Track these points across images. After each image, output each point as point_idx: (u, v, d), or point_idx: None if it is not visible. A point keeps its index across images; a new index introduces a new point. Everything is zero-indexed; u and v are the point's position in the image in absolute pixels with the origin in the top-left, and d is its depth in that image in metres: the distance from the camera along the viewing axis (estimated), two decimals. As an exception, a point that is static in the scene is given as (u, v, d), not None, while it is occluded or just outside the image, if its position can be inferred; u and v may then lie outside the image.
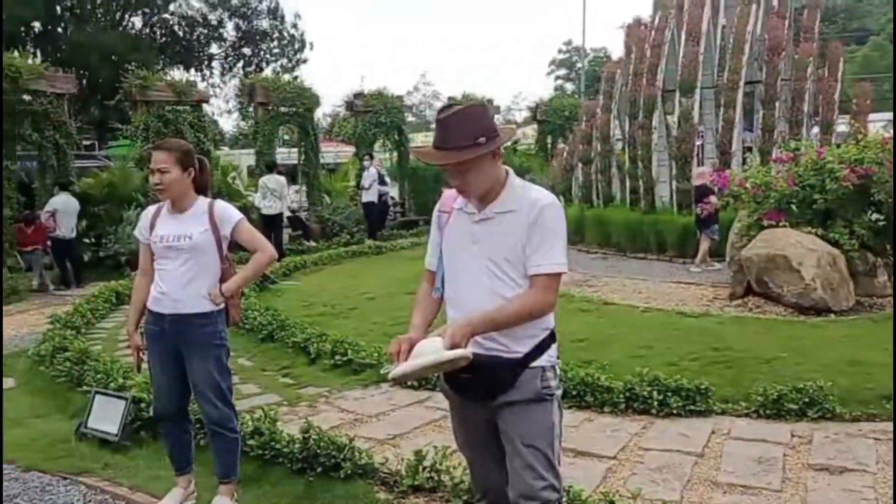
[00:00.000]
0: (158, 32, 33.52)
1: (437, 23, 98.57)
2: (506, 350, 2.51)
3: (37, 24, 28.60)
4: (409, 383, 5.58)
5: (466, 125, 2.43)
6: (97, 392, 4.87)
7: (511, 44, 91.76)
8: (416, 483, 3.77)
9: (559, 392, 2.61)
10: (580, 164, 15.40)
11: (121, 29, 30.74)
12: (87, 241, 13.14)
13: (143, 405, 4.69)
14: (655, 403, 4.92)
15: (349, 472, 3.90)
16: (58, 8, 29.15)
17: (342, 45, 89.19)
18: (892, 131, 9.80)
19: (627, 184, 14.11)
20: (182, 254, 3.60)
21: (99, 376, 5.39)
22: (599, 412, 5.00)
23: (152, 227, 3.69)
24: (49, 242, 11.80)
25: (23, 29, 26.51)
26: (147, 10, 32.30)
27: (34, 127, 12.56)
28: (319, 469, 3.96)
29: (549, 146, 22.94)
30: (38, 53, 25.46)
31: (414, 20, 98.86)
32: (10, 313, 9.75)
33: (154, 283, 3.67)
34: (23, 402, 5.77)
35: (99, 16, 30.46)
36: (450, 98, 21.30)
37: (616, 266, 11.94)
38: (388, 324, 7.93)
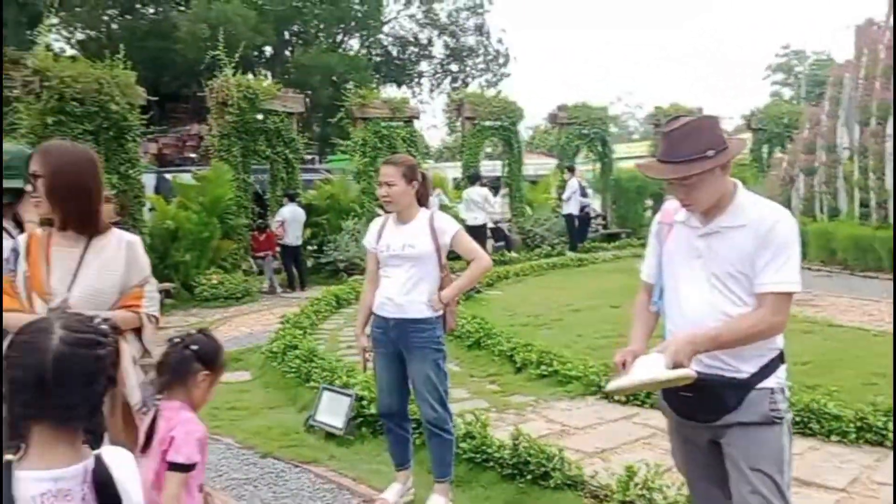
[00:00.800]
0: (374, 52, 35.55)
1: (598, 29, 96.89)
2: (730, 370, 2.44)
3: (268, 49, 31.40)
4: (616, 398, 5.52)
5: (694, 138, 2.39)
6: (325, 388, 5.27)
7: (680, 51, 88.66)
8: (627, 499, 3.72)
9: (789, 416, 2.49)
10: (801, 175, 14.43)
11: (341, 50, 32.96)
12: (310, 248, 14.21)
13: (364, 402, 5.02)
14: (892, 435, 4.50)
15: (559, 482, 3.93)
16: (286, 33, 31.84)
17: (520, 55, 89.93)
18: None
19: (856, 196, 13.02)
20: (406, 262, 3.83)
21: (325, 373, 5.82)
22: (826, 441, 4.66)
23: (379, 237, 3.95)
24: (278, 249, 12.91)
25: (255, 53, 29.18)
26: (364, 33, 34.38)
27: (267, 143, 13.75)
28: (529, 476, 4.02)
29: (765, 156, 21.67)
30: (269, 76, 27.94)
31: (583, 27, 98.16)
32: (245, 312, 10.75)
33: (379, 289, 3.93)
34: (258, 394, 6.35)
35: (321, 39, 32.87)
36: (656, 108, 20.76)
37: (842, 285, 11.04)
38: (592, 336, 7.88)
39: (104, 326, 1.60)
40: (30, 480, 1.46)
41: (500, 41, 37.20)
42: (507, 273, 13.27)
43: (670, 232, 2.62)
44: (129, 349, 2.78)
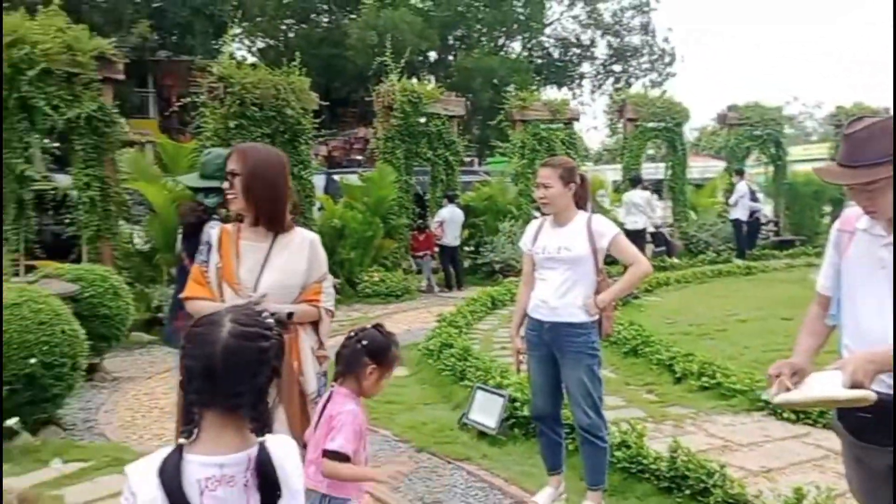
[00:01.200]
0: (535, 55, 35.50)
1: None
2: (916, 391, 2.23)
3: (432, 54, 32.14)
4: (784, 415, 5.22)
5: (880, 140, 2.21)
6: (478, 387, 5.33)
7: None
8: (794, 523, 3.51)
9: (985, 446, 2.25)
10: None
11: (502, 53, 33.18)
12: (467, 248, 14.41)
13: (517, 404, 5.02)
14: None
15: (720, 499, 3.74)
16: (449, 38, 32.46)
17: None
18: None
19: None
20: (561, 265, 3.79)
21: (479, 373, 5.88)
22: None
23: (535, 239, 3.94)
24: (437, 249, 13.18)
25: (420, 58, 29.93)
26: (526, 35, 34.42)
27: (429, 146, 14.06)
28: (687, 492, 3.87)
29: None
30: (433, 80, 28.60)
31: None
32: (404, 310, 11.08)
33: (534, 291, 3.92)
34: (414, 390, 6.51)
35: (483, 42, 33.22)
36: (838, 108, 19.38)
37: None
38: (760, 349, 7.48)
39: (270, 321, 1.69)
40: (197, 464, 1.55)
41: (665, 40, 36.11)
42: (668, 279, 12.84)
43: (851, 240, 2.44)
44: (308, 340, 2.95)
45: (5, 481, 3.52)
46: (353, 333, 2.77)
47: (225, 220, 3.52)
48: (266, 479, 1.58)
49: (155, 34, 22.90)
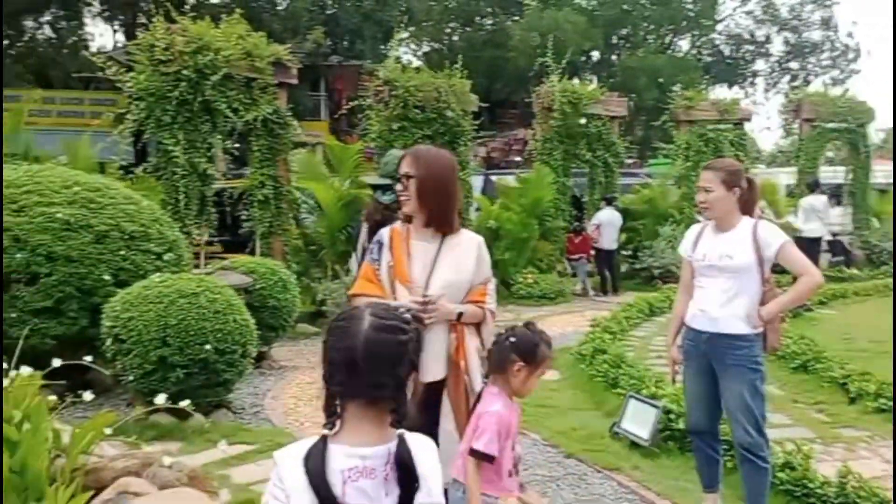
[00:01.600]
0: (704, 52, 34.14)
1: None
2: None
3: (595, 54, 31.67)
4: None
5: None
6: (631, 396, 5.18)
7: None
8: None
9: None
10: None
11: (669, 52, 32.15)
12: (624, 252, 14.08)
13: (671, 416, 4.85)
14: None
15: (894, 533, 3.46)
16: (614, 37, 31.84)
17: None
18: None
19: None
20: (723, 273, 3.62)
21: (633, 381, 5.73)
22: None
23: (696, 245, 3.78)
24: (593, 252, 12.97)
25: (583, 58, 29.55)
26: (696, 33, 33.18)
27: (588, 147, 13.84)
28: (858, 521, 3.60)
29: None
30: (595, 80, 28.15)
31: None
32: (557, 313, 10.97)
33: (693, 299, 3.76)
34: (566, 394, 6.43)
35: (649, 41, 32.33)
36: None
37: None
38: (947, 370, 6.80)
39: (407, 315, 1.74)
40: (342, 455, 1.60)
41: (849, 35, 33.66)
42: (846, 291, 11.98)
43: None
44: (472, 341, 3.00)
45: (180, 458, 3.81)
46: (503, 331, 2.78)
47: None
48: (405, 473, 1.61)
49: (328, 40, 23.99)
